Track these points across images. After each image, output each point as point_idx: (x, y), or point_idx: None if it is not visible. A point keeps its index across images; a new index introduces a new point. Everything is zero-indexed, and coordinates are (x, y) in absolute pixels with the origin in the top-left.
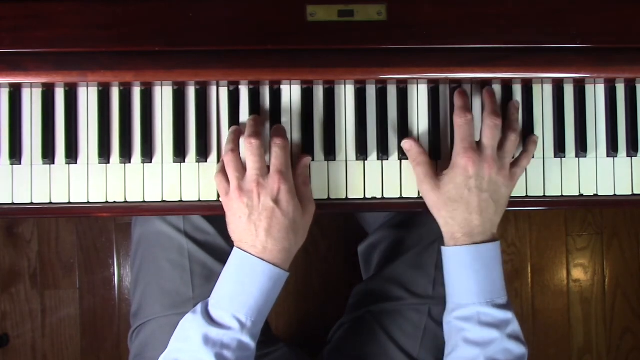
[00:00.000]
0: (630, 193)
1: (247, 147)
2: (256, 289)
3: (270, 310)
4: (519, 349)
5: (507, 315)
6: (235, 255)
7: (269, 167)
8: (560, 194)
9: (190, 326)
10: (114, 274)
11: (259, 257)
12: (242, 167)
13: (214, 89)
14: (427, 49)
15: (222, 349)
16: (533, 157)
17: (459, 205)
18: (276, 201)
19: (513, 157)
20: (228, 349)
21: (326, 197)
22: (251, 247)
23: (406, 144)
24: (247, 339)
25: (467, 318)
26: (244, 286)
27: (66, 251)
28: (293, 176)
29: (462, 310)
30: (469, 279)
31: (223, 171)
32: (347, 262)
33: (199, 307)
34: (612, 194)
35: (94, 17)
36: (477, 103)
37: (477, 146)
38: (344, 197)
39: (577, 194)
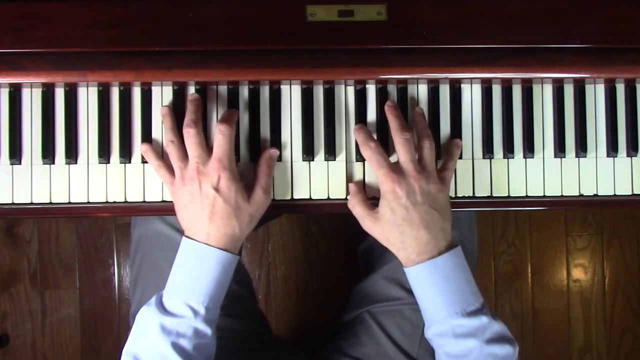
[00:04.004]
0: (630, 193)
1: (185, 137)
2: (205, 275)
3: (224, 295)
4: (504, 349)
5: (482, 320)
6: (183, 243)
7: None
8: (560, 194)
9: (146, 318)
10: (114, 274)
11: (204, 243)
12: (184, 156)
13: (214, 89)
14: (427, 49)
15: (177, 338)
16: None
17: (404, 227)
18: (217, 188)
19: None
20: (184, 337)
21: (326, 197)
22: (196, 234)
23: (352, 187)
24: (202, 326)
25: (442, 334)
26: (193, 273)
27: (66, 251)
28: (257, 165)
29: (436, 326)
30: (433, 295)
31: (163, 162)
32: (347, 262)
33: (153, 299)
34: (612, 194)
35: (94, 17)
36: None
37: (397, 166)
38: (343, 197)
39: (577, 194)
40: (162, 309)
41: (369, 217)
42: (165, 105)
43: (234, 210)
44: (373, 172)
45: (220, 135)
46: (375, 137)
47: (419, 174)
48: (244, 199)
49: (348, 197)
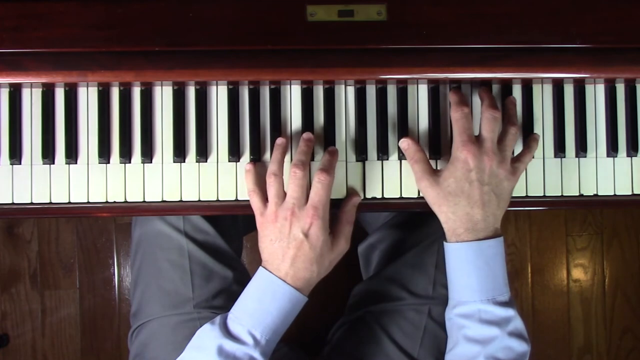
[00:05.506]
0: (630, 193)
1: (292, 175)
2: (275, 309)
3: (283, 333)
4: (521, 346)
5: (509, 312)
6: (259, 274)
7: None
8: (560, 194)
9: (207, 336)
10: (114, 274)
11: (281, 280)
12: (282, 193)
13: (214, 89)
14: (427, 49)
15: None
16: (533, 157)
17: (460, 199)
18: (306, 234)
19: (514, 154)
20: None
21: None
22: (276, 270)
23: (403, 142)
24: (258, 357)
25: (467, 315)
26: (264, 304)
27: (66, 251)
28: (340, 212)
29: (463, 307)
30: (470, 276)
31: (259, 189)
32: (347, 262)
33: (218, 318)
34: (612, 194)
35: (94, 17)
36: (474, 101)
37: (477, 139)
38: (343, 197)
39: (577, 194)
40: (226, 330)
41: (429, 178)
42: (282, 137)
43: (317, 257)
44: (454, 135)
45: (319, 184)
46: (375, 136)
47: (494, 154)
48: (328, 248)
49: (406, 148)
